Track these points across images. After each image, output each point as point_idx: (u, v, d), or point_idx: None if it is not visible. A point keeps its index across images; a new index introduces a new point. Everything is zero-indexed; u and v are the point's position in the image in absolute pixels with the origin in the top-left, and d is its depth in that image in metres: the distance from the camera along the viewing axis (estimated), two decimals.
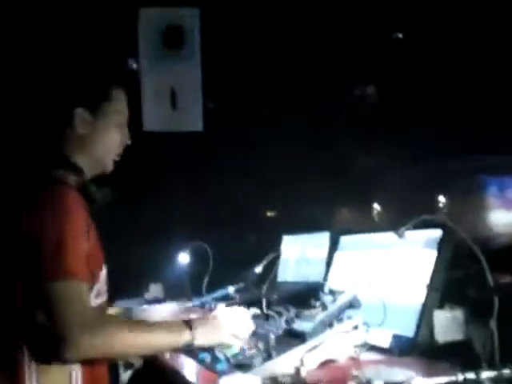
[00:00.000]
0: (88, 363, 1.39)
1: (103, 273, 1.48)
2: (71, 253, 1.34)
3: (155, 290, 3.23)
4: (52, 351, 1.32)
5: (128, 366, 1.94)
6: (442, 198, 12.86)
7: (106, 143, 1.57)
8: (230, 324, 1.56)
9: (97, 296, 1.44)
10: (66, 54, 1.62)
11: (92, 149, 1.55)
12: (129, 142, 1.63)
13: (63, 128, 1.52)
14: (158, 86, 3.92)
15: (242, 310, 1.65)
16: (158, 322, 1.62)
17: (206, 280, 2.97)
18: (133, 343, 1.40)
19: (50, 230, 1.34)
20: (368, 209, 12.52)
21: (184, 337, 1.46)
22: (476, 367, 1.17)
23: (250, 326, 1.60)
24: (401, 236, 1.51)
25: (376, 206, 12.78)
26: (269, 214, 11.20)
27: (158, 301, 3.08)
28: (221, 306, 1.70)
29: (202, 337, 1.49)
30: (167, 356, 1.94)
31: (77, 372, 1.38)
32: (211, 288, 2.91)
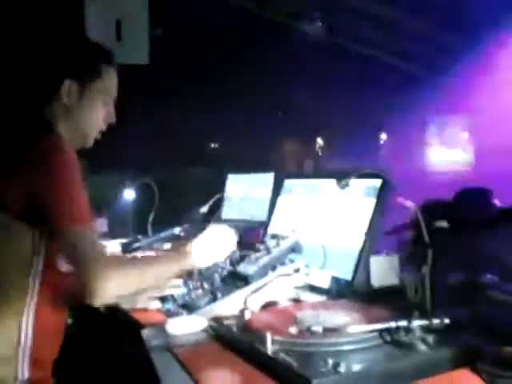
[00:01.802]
0: (42, 310, 1.42)
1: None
2: (81, 200, 1.39)
3: (99, 223, 3.23)
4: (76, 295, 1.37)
5: None
6: (383, 136, 13.11)
7: (91, 119, 1.59)
8: (221, 242, 1.67)
9: None
10: (66, 27, 1.62)
11: (76, 121, 1.57)
12: (113, 121, 1.64)
13: (50, 95, 1.54)
14: (102, 16, 3.82)
15: (226, 228, 1.73)
16: (160, 255, 1.73)
17: (151, 217, 3.00)
18: (146, 278, 1.50)
19: (57, 179, 1.38)
20: (312, 144, 12.66)
21: (187, 263, 1.58)
22: (408, 313, 1.26)
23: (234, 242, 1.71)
24: (343, 187, 1.57)
25: (319, 141, 12.92)
26: (212, 145, 11.19)
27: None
28: (210, 226, 1.76)
29: (201, 259, 1.62)
30: None
31: (27, 320, 1.41)
32: (156, 225, 2.95)
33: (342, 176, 1.74)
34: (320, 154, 12.88)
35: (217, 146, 11.02)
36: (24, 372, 1.40)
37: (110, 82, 1.62)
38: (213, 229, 1.70)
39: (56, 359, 1.51)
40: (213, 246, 1.65)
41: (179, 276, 1.71)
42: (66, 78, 1.53)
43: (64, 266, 1.46)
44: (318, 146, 12.90)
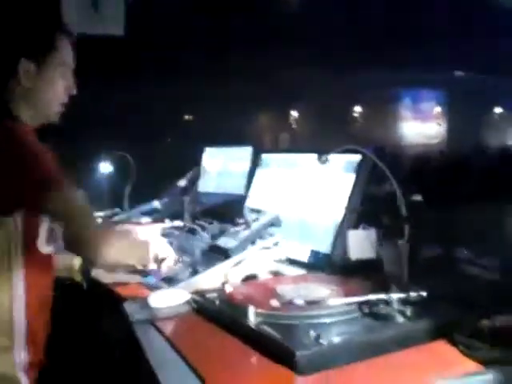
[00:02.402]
0: (31, 276, 1.43)
1: None
2: (47, 168, 1.40)
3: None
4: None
5: None
6: (357, 108, 13.19)
7: (51, 95, 1.54)
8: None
9: None
10: (8, 4, 1.53)
11: (37, 101, 1.52)
12: (74, 92, 1.59)
13: (7, 79, 1.48)
14: None
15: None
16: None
17: (127, 191, 2.98)
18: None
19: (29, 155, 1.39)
20: (286, 116, 12.68)
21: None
22: (386, 286, 1.29)
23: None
24: (323, 163, 1.58)
25: (294, 114, 12.94)
26: (187, 117, 11.13)
27: None
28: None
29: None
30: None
31: (19, 308, 1.41)
32: (133, 199, 2.94)
33: (321, 151, 1.76)
34: (294, 126, 12.93)
35: (191, 118, 10.97)
36: (21, 355, 1.41)
37: (66, 52, 1.55)
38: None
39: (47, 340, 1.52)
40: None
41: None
42: (21, 57, 1.47)
43: (44, 248, 1.46)
44: (292, 119, 12.95)
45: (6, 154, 1.38)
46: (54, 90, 1.54)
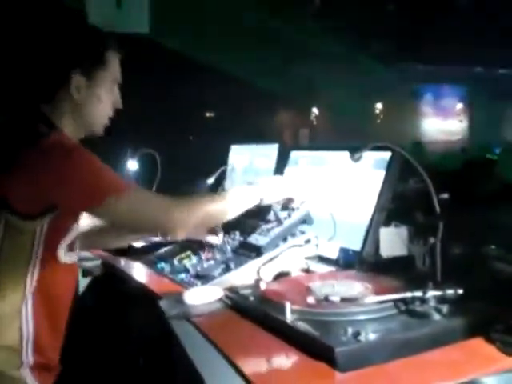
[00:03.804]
0: (45, 284, 1.45)
1: None
2: (111, 170, 1.47)
3: None
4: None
5: (86, 273, 2.00)
6: (379, 105, 13.11)
7: (99, 110, 1.58)
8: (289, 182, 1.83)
9: None
10: (64, 17, 1.56)
11: (85, 115, 1.56)
12: (120, 107, 1.63)
13: (58, 92, 1.52)
14: None
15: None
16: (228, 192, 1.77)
17: (154, 187, 3.01)
18: (212, 212, 1.63)
19: (73, 166, 1.42)
20: (308, 113, 12.65)
21: (255, 199, 1.70)
22: (419, 283, 1.30)
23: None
24: (356, 161, 1.59)
25: (315, 110, 12.91)
26: (208, 114, 11.17)
27: None
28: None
29: (269, 195, 1.74)
30: (123, 263, 2.02)
31: (26, 312, 1.43)
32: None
33: (351, 148, 1.76)
34: (315, 123, 12.91)
35: (212, 115, 11.00)
36: (29, 357, 1.43)
37: (114, 68, 1.60)
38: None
39: (64, 346, 1.55)
40: (282, 184, 1.78)
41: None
42: (72, 72, 1.51)
43: (64, 258, 1.48)
44: (313, 115, 12.92)
45: (45, 158, 1.40)
46: (102, 104, 1.58)
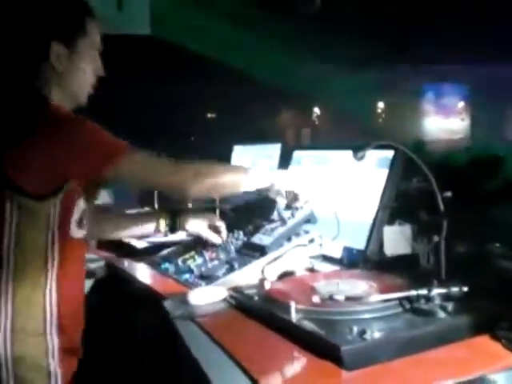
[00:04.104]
0: (64, 263, 1.46)
1: None
2: (111, 135, 1.47)
3: (105, 195, 3.23)
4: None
5: (90, 275, 2.00)
6: (380, 104, 13.11)
7: (81, 78, 1.57)
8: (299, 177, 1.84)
9: None
10: None
11: (67, 84, 1.54)
12: (102, 74, 1.62)
13: (39, 63, 1.50)
14: None
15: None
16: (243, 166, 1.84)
17: (155, 193, 3.00)
18: (226, 180, 1.66)
19: (79, 133, 1.43)
20: (309, 113, 12.65)
21: (266, 182, 1.73)
22: (424, 281, 1.30)
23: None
24: (359, 159, 1.58)
25: (316, 110, 12.91)
26: (209, 115, 11.16)
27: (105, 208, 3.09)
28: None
29: (279, 183, 1.76)
30: (126, 264, 2.02)
31: (50, 294, 1.44)
32: (162, 198, 2.95)
33: (353, 147, 1.76)
34: (316, 123, 12.91)
35: (213, 116, 11.00)
36: (54, 340, 1.43)
37: (95, 35, 1.58)
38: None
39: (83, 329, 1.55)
40: (291, 176, 1.83)
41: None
42: (52, 41, 1.48)
43: (76, 233, 1.48)
44: (314, 115, 12.92)
45: (58, 135, 1.41)
46: (84, 72, 1.57)
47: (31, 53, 1.50)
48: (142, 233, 1.99)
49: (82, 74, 1.56)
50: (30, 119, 1.44)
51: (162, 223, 1.88)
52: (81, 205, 1.49)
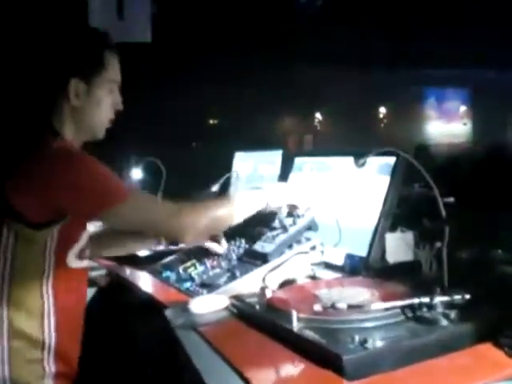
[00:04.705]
0: (60, 292, 1.45)
1: None
2: (112, 178, 1.46)
3: None
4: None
5: (91, 283, 2.00)
6: (382, 109, 13.10)
7: (100, 113, 1.56)
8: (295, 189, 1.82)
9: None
10: (57, 24, 1.55)
11: (85, 120, 1.54)
12: (120, 108, 1.60)
13: (55, 99, 1.50)
14: None
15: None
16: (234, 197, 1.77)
17: (159, 195, 3.00)
18: (219, 217, 1.64)
19: (81, 172, 1.41)
20: (311, 118, 12.65)
21: (261, 204, 1.71)
22: (426, 288, 1.29)
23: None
24: (361, 166, 1.58)
25: (318, 116, 12.90)
26: (212, 121, 11.18)
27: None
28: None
29: (275, 201, 1.74)
30: (128, 273, 2.02)
31: (49, 321, 1.43)
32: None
33: (355, 153, 1.75)
34: (318, 128, 12.90)
35: (216, 122, 11.01)
36: (51, 367, 1.43)
37: (114, 69, 1.57)
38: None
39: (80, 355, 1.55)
40: (287, 190, 1.80)
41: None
42: (71, 76, 1.49)
43: (74, 263, 1.48)
44: (317, 121, 12.90)
45: (60, 169, 1.40)
46: (102, 107, 1.56)
47: (49, 88, 1.51)
48: (144, 248, 2.00)
49: (99, 109, 1.55)
50: (33, 149, 1.44)
51: (165, 239, 1.88)
52: (83, 238, 1.49)
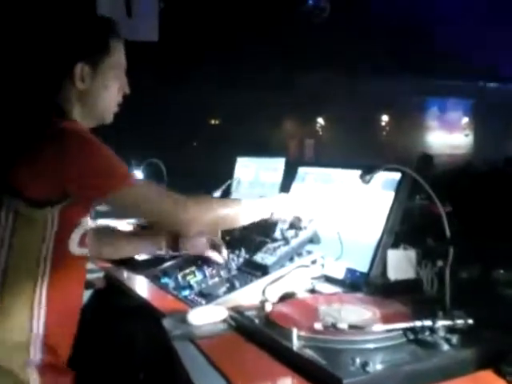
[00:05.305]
0: (52, 297, 1.43)
1: None
2: (123, 162, 1.45)
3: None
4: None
5: (88, 285, 1.98)
6: (384, 117, 13.10)
7: (106, 97, 1.57)
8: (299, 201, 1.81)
9: None
10: (63, 9, 1.56)
11: (92, 103, 1.55)
12: (127, 92, 1.62)
13: (63, 82, 1.51)
14: None
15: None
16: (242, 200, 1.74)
17: None
18: (225, 215, 1.63)
19: (88, 153, 1.40)
20: (313, 123, 12.64)
21: (266, 212, 1.70)
22: (429, 309, 1.27)
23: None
24: (367, 183, 1.56)
25: (320, 121, 12.90)
26: (213, 122, 11.17)
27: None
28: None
29: (280, 211, 1.73)
30: (126, 276, 2.00)
31: (39, 307, 1.41)
32: None
33: (361, 167, 1.74)
34: (320, 133, 12.89)
35: (217, 122, 11.00)
36: (36, 355, 1.40)
37: (119, 54, 1.59)
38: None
39: (72, 345, 1.51)
40: (292, 201, 1.78)
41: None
42: (77, 60, 1.49)
43: (76, 250, 1.46)
44: (318, 125, 12.90)
45: (67, 149, 1.39)
46: (109, 93, 1.57)
47: (54, 71, 1.51)
48: (144, 253, 1.99)
49: (106, 93, 1.56)
50: (40, 128, 1.43)
51: (164, 244, 1.87)
52: (85, 223, 1.47)
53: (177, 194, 1.56)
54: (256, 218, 1.69)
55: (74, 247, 1.45)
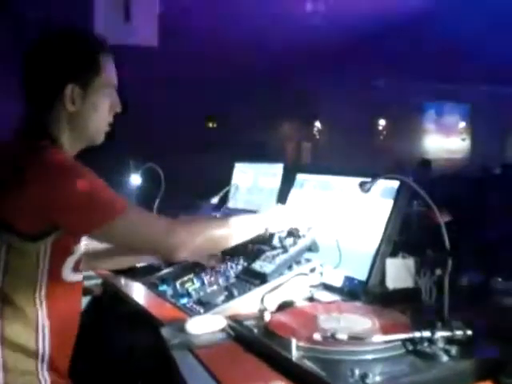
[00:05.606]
0: (55, 304, 1.43)
1: None
2: (107, 193, 1.42)
3: None
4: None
5: (86, 292, 1.97)
6: (382, 121, 13.10)
7: (97, 119, 1.53)
8: (295, 213, 1.80)
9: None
10: (54, 31, 1.53)
11: (83, 126, 1.52)
12: (119, 110, 1.58)
13: (53, 104, 1.47)
14: None
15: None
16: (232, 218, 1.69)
17: (157, 202, 2.97)
18: (215, 237, 1.61)
19: (74, 188, 1.36)
20: (310, 127, 12.64)
21: (259, 228, 1.69)
22: (428, 319, 1.27)
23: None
24: (367, 192, 1.56)
25: (317, 124, 12.89)
26: (210, 125, 11.17)
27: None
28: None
29: (274, 225, 1.73)
30: (123, 283, 2.00)
31: (43, 311, 1.41)
32: (161, 212, 2.91)
33: (361, 174, 1.74)
34: (317, 137, 12.89)
35: (215, 126, 11.01)
36: (46, 378, 1.41)
37: (110, 72, 1.54)
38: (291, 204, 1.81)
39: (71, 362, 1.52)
40: (287, 214, 1.77)
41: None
42: (65, 82, 1.46)
43: (70, 277, 1.46)
44: (315, 129, 12.89)
45: (45, 176, 1.36)
46: (99, 111, 1.53)
47: (44, 95, 1.48)
48: (139, 262, 2.00)
49: (96, 115, 1.52)
50: (27, 155, 1.40)
51: (160, 255, 1.86)
52: (77, 251, 1.47)
53: (165, 218, 1.54)
54: (250, 236, 1.68)
55: (68, 273, 1.45)
